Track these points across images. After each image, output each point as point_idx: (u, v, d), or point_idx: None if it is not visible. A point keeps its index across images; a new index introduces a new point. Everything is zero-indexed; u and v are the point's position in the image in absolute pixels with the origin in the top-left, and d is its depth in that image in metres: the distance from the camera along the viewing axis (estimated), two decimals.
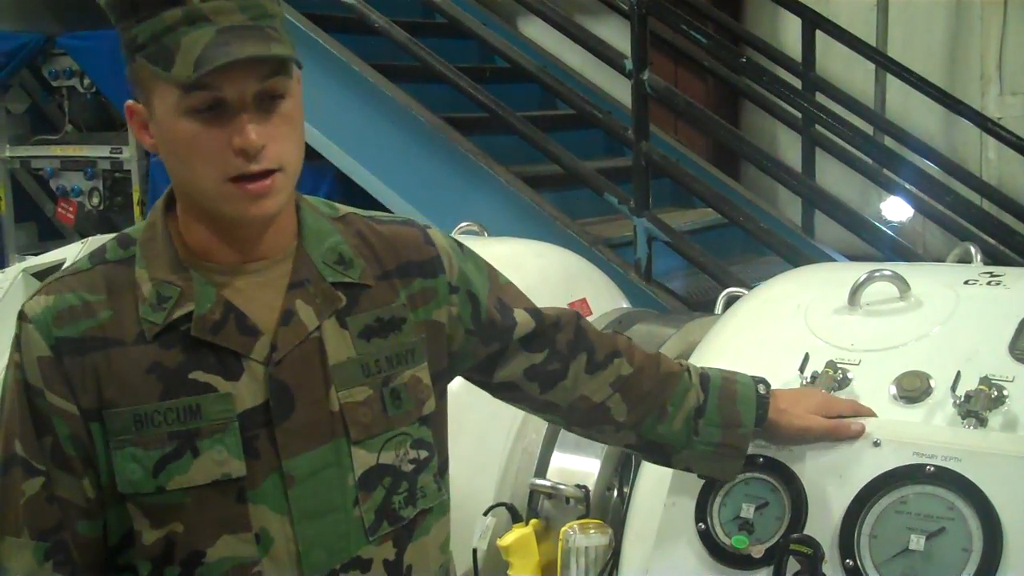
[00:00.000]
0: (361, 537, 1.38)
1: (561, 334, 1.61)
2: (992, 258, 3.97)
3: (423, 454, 1.45)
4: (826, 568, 1.70)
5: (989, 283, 2.11)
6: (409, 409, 1.43)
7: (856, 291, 2.15)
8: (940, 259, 3.50)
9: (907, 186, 4.45)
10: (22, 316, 1.35)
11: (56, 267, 3.17)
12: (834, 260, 4.34)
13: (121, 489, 1.33)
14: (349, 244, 1.44)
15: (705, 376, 1.69)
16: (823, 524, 1.75)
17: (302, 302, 1.37)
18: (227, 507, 1.32)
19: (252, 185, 1.29)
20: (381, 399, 1.40)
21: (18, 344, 1.34)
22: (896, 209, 5.04)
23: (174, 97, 1.26)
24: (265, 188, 1.29)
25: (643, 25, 3.95)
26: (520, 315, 1.58)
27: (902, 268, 2.23)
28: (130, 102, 1.35)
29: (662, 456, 1.69)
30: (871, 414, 1.76)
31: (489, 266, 1.61)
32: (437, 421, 1.50)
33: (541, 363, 1.59)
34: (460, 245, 1.57)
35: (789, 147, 5.26)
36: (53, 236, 5.99)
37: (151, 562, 1.34)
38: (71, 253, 3.12)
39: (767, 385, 1.71)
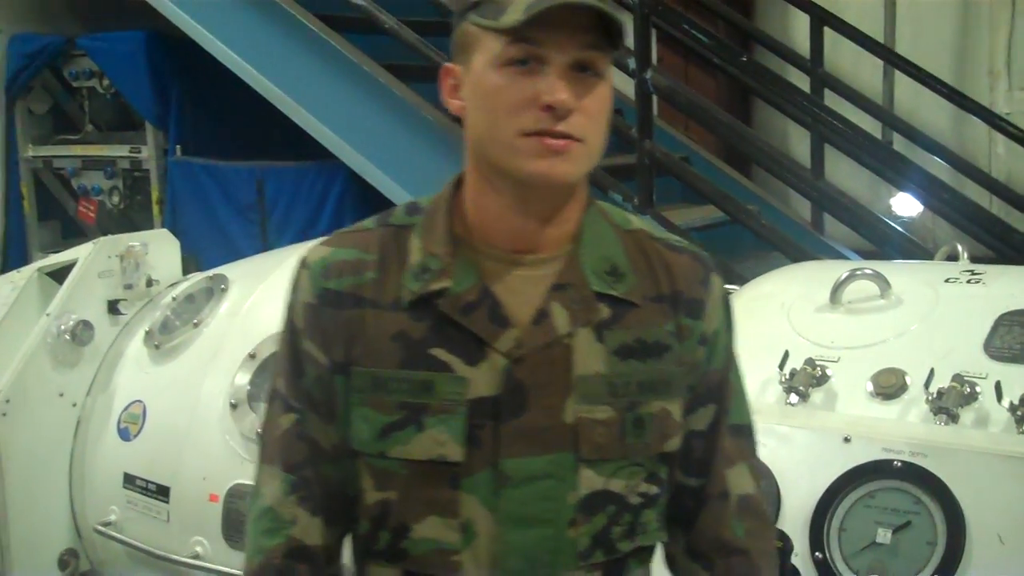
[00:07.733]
0: (572, 560, 1.32)
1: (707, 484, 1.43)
2: (1000, 255, 3.98)
3: (654, 490, 1.37)
4: (796, 561, 1.74)
5: (969, 281, 2.15)
6: (649, 441, 1.35)
7: (838, 289, 2.19)
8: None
9: (916, 182, 4.45)
10: (302, 262, 1.40)
11: (69, 267, 3.22)
12: (844, 256, 4.36)
13: (352, 445, 1.35)
14: (628, 258, 1.38)
15: None
16: (794, 517, 1.79)
17: (559, 305, 1.33)
18: (440, 489, 1.31)
19: (551, 140, 1.26)
20: (622, 423, 1.33)
21: (294, 287, 1.40)
22: (906, 205, 5.05)
23: (496, 49, 1.27)
24: (563, 147, 1.26)
25: (646, 24, 3.98)
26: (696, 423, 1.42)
27: (885, 266, 2.26)
28: (447, 64, 1.36)
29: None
30: None
31: (734, 357, 1.48)
32: (674, 461, 1.41)
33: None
34: (730, 314, 1.46)
35: (800, 141, 5.27)
36: (76, 234, 6.06)
37: (370, 521, 1.36)
38: (83, 253, 3.19)
39: None
